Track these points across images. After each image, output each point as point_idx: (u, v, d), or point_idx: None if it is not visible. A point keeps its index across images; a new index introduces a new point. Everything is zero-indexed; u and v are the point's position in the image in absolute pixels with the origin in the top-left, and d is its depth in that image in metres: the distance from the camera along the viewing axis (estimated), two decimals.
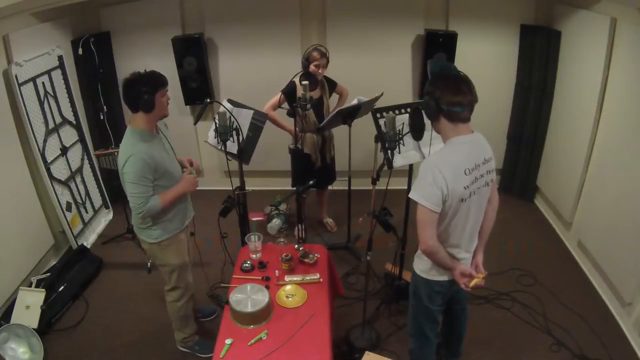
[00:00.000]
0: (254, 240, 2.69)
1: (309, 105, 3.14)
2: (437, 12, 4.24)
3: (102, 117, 4.31)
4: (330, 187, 4.11)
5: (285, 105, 3.51)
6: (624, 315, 3.07)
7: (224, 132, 2.75)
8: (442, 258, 2.04)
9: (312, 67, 3.42)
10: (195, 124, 4.26)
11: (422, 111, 2.07)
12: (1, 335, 2.80)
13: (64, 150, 3.80)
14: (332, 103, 3.77)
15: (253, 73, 4.35)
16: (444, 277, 2.16)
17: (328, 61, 3.50)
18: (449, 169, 1.90)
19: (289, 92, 3.49)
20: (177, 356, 2.94)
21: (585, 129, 3.56)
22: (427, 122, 2.67)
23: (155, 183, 2.37)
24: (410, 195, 1.97)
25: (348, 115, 3.34)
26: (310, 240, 3.62)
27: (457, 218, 2.01)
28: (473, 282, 2.05)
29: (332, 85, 3.70)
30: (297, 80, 3.48)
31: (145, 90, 2.26)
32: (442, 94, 1.88)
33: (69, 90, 3.92)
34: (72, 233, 3.77)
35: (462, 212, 1.99)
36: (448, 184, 1.89)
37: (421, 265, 2.20)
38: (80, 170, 4.05)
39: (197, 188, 2.60)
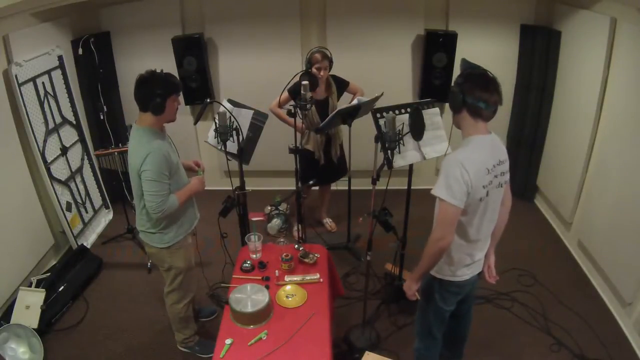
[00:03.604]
0: (254, 240, 2.69)
1: (309, 106, 3.13)
2: (437, 12, 4.24)
3: (102, 117, 4.32)
4: (333, 187, 4.10)
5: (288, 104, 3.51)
6: (624, 315, 3.07)
7: (224, 132, 2.75)
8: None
9: (313, 70, 3.42)
10: (195, 124, 4.25)
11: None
12: (1, 335, 2.80)
13: (64, 150, 3.80)
14: (344, 103, 3.62)
15: (253, 73, 4.35)
16: (457, 278, 2.15)
17: (331, 63, 3.50)
18: (473, 166, 1.90)
19: (294, 91, 3.49)
20: (177, 356, 2.94)
21: (585, 129, 3.56)
22: (427, 122, 2.71)
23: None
24: (433, 192, 1.94)
25: (348, 115, 3.33)
26: (310, 240, 3.61)
27: (474, 217, 2.01)
28: None
29: (342, 85, 3.67)
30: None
31: (159, 93, 2.22)
32: (470, 88, 1.90)
33: (69, 90, 3.92)
34: (72, 233, 3.77)
35: (479, 212, 2.00)
36: (472, 181, 1.89)
37: (435, 266, 2.16)
38: (80, 170, 4.05)
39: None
